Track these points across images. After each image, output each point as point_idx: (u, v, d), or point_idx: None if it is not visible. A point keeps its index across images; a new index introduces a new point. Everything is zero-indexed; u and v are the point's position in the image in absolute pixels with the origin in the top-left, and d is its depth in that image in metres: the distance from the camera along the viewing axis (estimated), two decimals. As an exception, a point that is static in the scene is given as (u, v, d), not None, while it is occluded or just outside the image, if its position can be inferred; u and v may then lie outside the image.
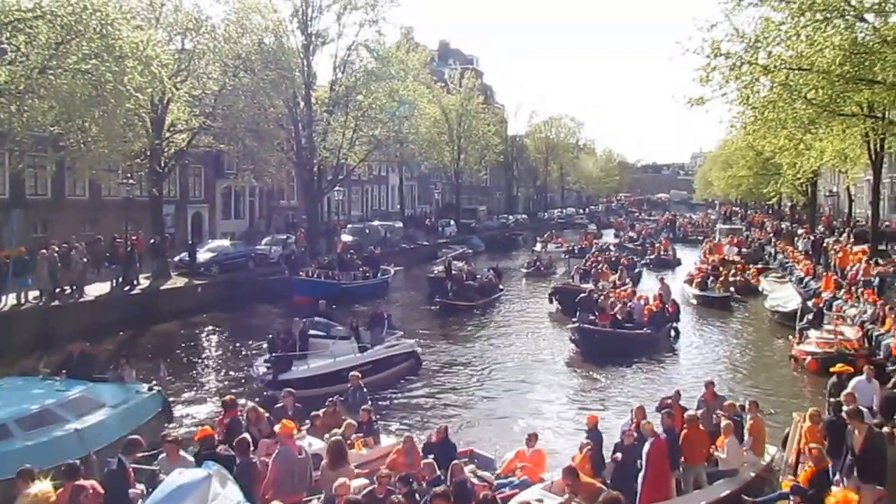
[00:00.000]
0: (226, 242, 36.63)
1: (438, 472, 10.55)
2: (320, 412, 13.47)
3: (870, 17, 18.76)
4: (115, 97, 22.87)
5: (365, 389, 15.33)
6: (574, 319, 24.71)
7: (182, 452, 10.00)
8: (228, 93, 32.13)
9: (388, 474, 10.01)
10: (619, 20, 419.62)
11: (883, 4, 18.53)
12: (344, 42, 39.13)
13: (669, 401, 13.42)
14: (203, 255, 33.22)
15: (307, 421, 13.28)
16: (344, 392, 15.18)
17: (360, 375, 15.66)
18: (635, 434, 11.54)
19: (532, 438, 11.91)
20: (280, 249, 37.39)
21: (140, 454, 10.15)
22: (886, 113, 23.84)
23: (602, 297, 26.72)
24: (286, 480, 9.81)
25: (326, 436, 12.36)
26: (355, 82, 39.82)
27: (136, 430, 12.45)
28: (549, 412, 17.77)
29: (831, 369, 15.54)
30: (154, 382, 15.84)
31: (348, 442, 12.14)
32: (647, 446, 10.80)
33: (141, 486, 9.46)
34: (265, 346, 20.09)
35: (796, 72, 19.67)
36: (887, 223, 40.36)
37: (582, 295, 27.13)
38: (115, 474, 9.17)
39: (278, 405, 13.46)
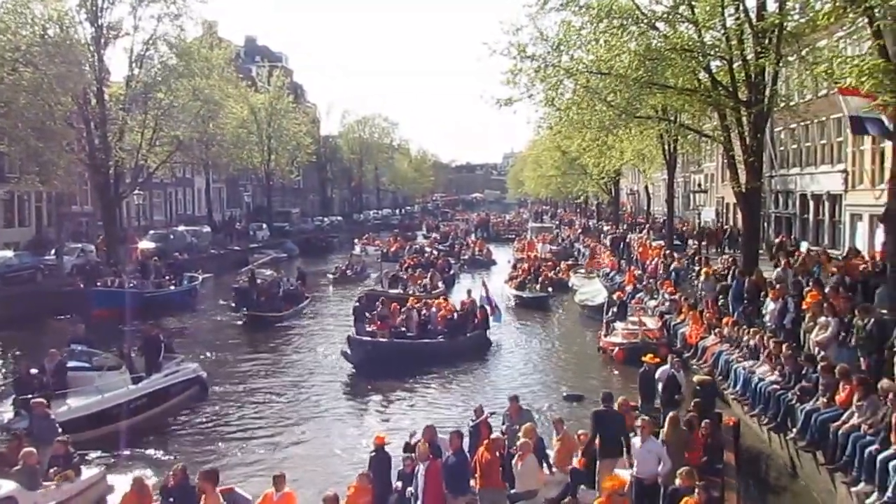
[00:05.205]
0: (8, 253, 33.50)
1: None
2: (2, 448, 12.00)
3: (661, 25, 19.73)
4: None
5: (53, 416, 13.53)
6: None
7: None
8: (6, 88, 29.00)
9: None
10: (432, 21, 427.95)
11: (671, 14, 19.54)
12: (141, 36, 36.49)
13: (477, 418, 12.99)
14: (-20, 269, 29.96)
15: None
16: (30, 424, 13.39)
17: (45, 402, 13.74)
18: (416, 458, 10.96)
19: (280, 480, 10.42)
20: (73, 259, 34.96)
21: None
22: (678, 116, 25.36)
23: (381, 305, 25.22)
24: None
25: (13, 472, 11.12)
26: (154, 79, 37.36)
27: None
28: (330, 439, 16.42)
29: (643, 359, 16.05)
30: None
31: (49, 473, 11.33)
32: (421, 470, 10.40)
33: None
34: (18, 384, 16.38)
35: (596, 75, 20.38)
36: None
37: (355, 303, 26.05)
38: None
39: None
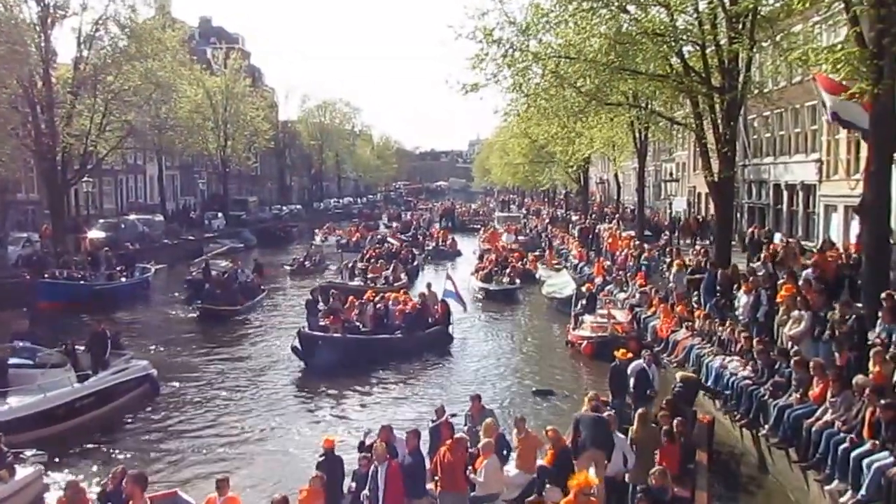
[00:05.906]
0: (-50, 244, 32.40)
1: None
2: None
3: (632, 8, 19.27)
4: None
5: None
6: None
7: None
8: (-54, 71, 27.64)
9: None
10: (393, 4, 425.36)
11: (642, -3, 19.08)
12: (90, 15, 35.16)
13: (438, 418, 12.48)
14: (-83, 260, 28.74)
15: None
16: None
17: None
18: (372, 458, 10.53)
19: (223, 484, 10.00)
20: (18, 249, 33.89)
21: None
22: (649, 103, 24.96)
23: (332, 298, 24.27)
24: None
25: None
26: (104, 61, 36.07)
27: None
28: (282, 439, 15.72)
29: (615, 354, 15.58)
30: None
31: None
32: (380, 471, 10.07)
33: None
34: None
35: (565, 60, 19.87)
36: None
37: (308, 296, 25.23)
38: None
39: None
